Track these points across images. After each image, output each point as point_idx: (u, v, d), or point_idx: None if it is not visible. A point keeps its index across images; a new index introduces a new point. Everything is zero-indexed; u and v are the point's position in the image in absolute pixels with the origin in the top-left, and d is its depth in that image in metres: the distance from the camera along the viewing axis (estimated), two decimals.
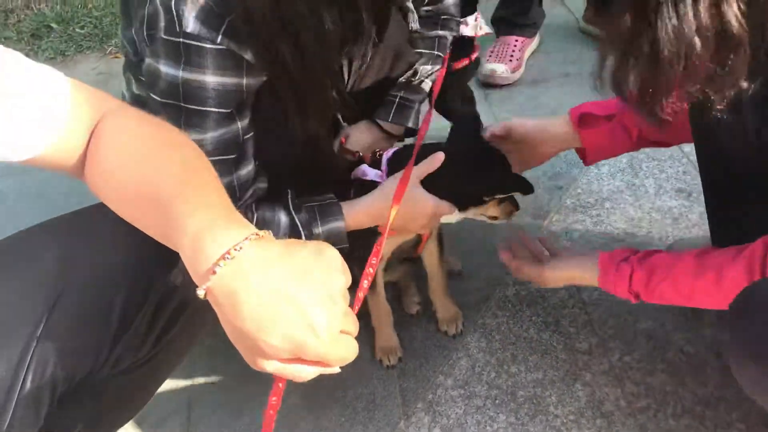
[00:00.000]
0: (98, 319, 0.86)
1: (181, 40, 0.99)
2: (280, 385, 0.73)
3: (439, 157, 1.17)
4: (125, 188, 0.80)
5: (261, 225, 1.14)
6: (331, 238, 1.17)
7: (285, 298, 0.66)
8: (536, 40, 2.28)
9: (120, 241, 0.87)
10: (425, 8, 1.31)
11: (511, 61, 2.14)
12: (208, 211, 0.72)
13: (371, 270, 1.01)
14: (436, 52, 1.33)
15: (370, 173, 1.24)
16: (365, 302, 1.36)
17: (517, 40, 2.18)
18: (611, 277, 1.11)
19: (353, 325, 0.71)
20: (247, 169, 1.13)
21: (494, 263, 1.56)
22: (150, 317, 0.89)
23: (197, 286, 0.68)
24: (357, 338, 0.71)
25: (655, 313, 1.38)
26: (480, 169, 1.22)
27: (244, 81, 1.05)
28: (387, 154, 1.25)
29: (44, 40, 2.78)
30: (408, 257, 1.45)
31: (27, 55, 2.77)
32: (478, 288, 1.52)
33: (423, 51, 1.33)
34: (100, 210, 0.84)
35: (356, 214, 1.18)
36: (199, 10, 0.98)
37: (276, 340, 0.66)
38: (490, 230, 1.63)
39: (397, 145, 1.35)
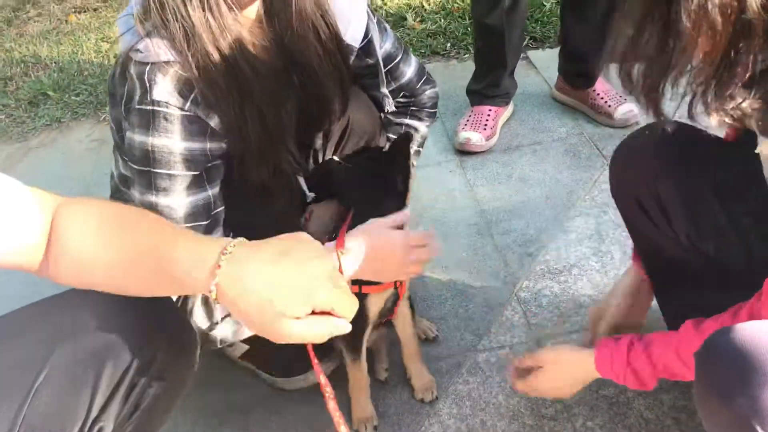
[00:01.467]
0: (81, 395, 0.92)
1: (150, 107, 1.08)
2: None
3: (406, 214, 1.26)
4: (99, 263, 0.87)
5: None
6: None
7: (283, 259, 0.79)
8: (509, 108, 2.38)
9: (102, 322, 0.94)
10: (400, 99, 1.42)
11: (485, 129, 2.25)
12: (188, 238, 0.85)
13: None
14: None
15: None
16: (343, 369, 1.43)
17: (490, 110, 2.29)
18: (608, 351, 1.10)
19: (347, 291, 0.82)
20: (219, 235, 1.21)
21: (466, 329, 1.63)
22: (125, 392, 0.96)
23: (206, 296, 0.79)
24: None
25: None
26: (384, 176, 1.29)
27: (208, 146, 1.14)
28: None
29: (41, 107, 2.87)
30: (382, 322, 1.51)
31: (24, 122, 2.87)
32: (450, 354, 1.57)
33: (390, 137, 1.43)
34: (82, 293, 0.92)
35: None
36: (169, 80, 1.07)
37: (289, 297, 0.77)
38: (461, 297, 1.71)
39: None
